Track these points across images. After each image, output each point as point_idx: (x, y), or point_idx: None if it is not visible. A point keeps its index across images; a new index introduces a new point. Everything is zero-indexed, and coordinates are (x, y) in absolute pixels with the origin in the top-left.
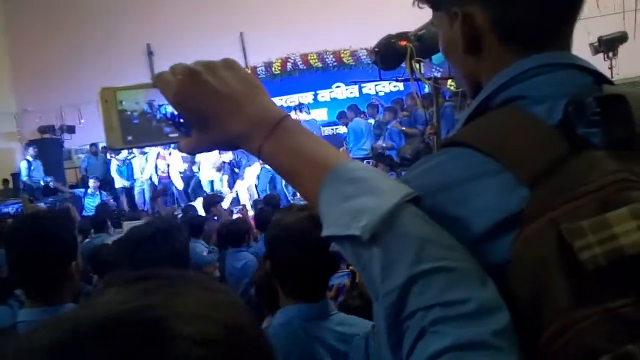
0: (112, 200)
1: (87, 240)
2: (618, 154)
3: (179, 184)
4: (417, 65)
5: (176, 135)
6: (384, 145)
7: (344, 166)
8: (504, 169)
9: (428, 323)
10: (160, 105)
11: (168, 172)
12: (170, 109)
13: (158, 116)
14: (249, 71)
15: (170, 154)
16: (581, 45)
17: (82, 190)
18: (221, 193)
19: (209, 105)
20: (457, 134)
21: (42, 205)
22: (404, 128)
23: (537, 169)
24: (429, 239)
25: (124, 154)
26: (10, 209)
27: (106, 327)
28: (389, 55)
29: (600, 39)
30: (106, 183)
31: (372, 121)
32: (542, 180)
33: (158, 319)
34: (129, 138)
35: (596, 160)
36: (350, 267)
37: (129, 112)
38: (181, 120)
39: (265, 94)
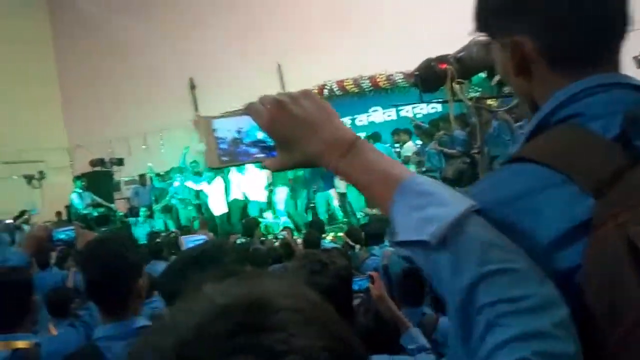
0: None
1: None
2: None
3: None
4: (458, 87)
5: (262, 155)
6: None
7: (412, 180)
8: (568, 180)
9: (494, 317)
10: (248, 130)
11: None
12: (258, 134)
13: (245, 140)
14: None
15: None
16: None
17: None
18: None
19: (292, 130)
20: (521, 150)
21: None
22: (442, 149)
23: (601, 179)
24: (492, 243)
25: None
26: (64, 235)
27: (225, 310)
28: (430, 78)
29: None
30: (154, 211)
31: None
32: (605, 190)
33: (261, 298)
34: (224, 158)
35: None
36: (369, 273)
37: (222, 137)
38: (266, 144)
39: (338, 119)
